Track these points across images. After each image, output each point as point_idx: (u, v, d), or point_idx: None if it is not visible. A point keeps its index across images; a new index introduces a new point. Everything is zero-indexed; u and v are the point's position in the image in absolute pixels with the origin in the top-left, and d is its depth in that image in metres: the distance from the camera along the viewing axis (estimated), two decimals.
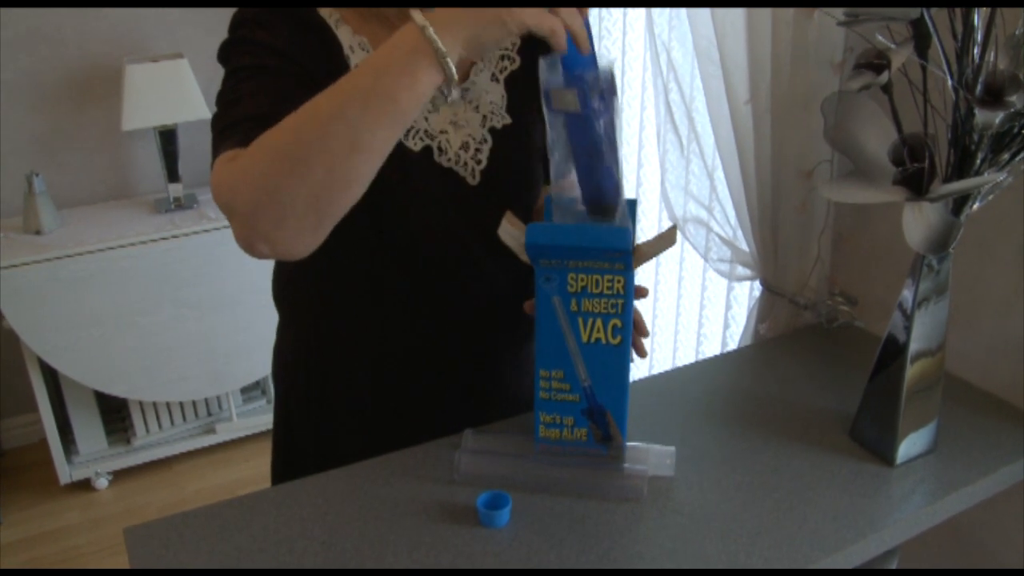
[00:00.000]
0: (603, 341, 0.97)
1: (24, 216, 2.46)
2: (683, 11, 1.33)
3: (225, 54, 0.94)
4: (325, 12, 0.98)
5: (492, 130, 1.06)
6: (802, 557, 0.88)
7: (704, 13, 1.21)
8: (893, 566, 1.21)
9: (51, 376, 2.52)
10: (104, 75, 2.64)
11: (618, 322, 0.96)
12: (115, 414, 2.76)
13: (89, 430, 2.64)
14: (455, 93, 1.04)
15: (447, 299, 1.08)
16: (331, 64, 0.95)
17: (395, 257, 1.04)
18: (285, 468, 1.21)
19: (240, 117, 0.85)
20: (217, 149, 0.85)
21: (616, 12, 1.89)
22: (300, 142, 0.75)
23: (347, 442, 1.13)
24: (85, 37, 2.60)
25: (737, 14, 1.16)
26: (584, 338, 0.97)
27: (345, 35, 0.99)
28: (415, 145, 1.01)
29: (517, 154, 1.09)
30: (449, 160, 1.03)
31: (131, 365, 2.49)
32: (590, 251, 0.91)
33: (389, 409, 1.13)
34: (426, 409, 1.13)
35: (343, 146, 0.75)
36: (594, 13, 1.94)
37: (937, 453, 1.05)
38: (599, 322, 0.96)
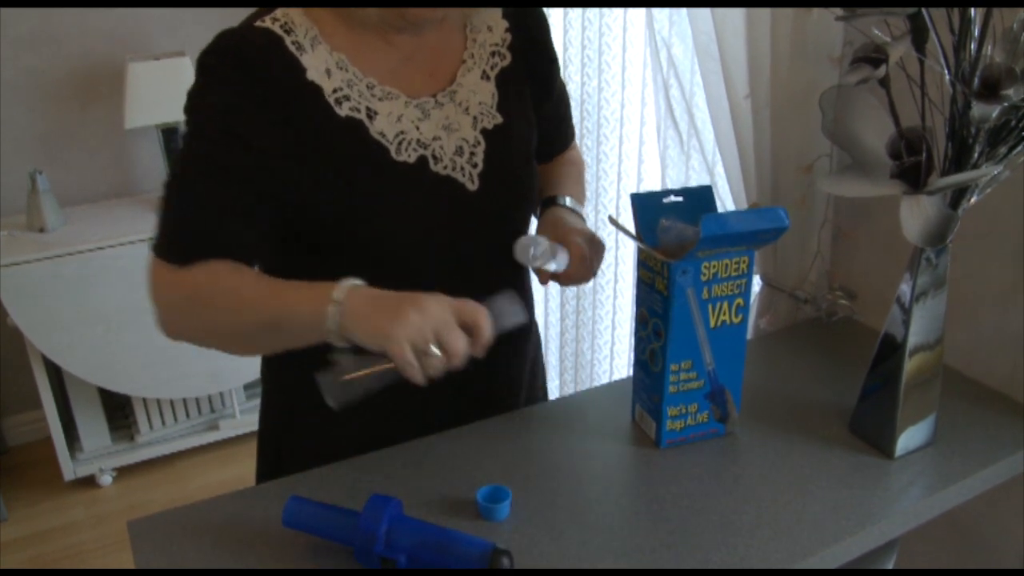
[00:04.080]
0: (728, 323, 1.01)
1: (27, 214, 2.46)
2: (683, 8, 1.33)
3: (187, 112, 0.97)
4: (300, 31, 0.95)
5: (484, 131, 1.04)
6: (801, 549, 0.89)
7: (704, 9, 1.22)
8: (892, 559, 1.21)
9: (55, 373, 2.53)
10: (106, 73, 2.64)
11: (741, 301, 1.01)
12: (119, 411, 2.77)
13: (93, 427, 2.65)
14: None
15: None
16: (301, 102, 0.95)
17: (393, 270, 1.00)
18: (271, 468, 1.17)
19: (171, 227, 0.95)
20: (158, 235, 0.95)
21: (617, 8, 1.89)
22: (214, 328, 0.94)
23: (337, 440, 1.11)
24: (87, 36, 2.60)
25: (736, 10, 1.17)
26: (712, 323, 1.00)
27: (319, 57, 0.95)
28: (409, 157, 0.99)
29: (511, 153, 1.06)
30: (445, 167, 1.01)
31: (135, 362, 2.50)
32: (758, 234, 0.95)
33: (382, 414, 1.10)
34: (424, 413, 1.11)
35: (241, 345, 0.96)
36: (594, 8, 1.94)
37: (936, 446, 1.06)
38: (725, 305, 1.00)
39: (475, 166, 1.03)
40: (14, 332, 2.38)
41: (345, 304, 0.84)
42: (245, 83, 0.93)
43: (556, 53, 1.16)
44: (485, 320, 0.85)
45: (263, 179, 0.94)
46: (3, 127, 2.59)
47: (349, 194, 0.97)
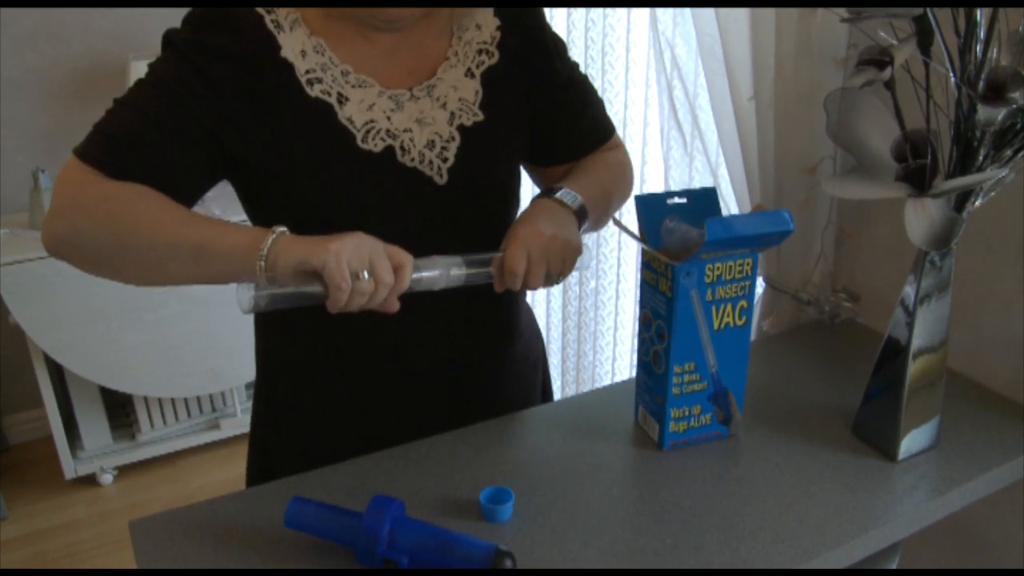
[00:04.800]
0: (731, 325, 1.01)
1: (30, 212, 2.46)
2: (687, 8, 1.33)
3: (165, 44, 0.97)
4: (282, 12, 0.97)
5: (461, 128, 1.03)
6: (804, 552, 0.88)
7: (708, 10, 1.22)
8: (895, 562, 1.21)
9: (57, 372, 2.53)
10: (109, 72, 2.64)
11: (745, 303, 1.00)
12: (120, 409, 2.77)
13: (94, 425, 2.64)
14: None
15: (417, 304, 1.01)
16: (271, 76, 0.96)
17: None
18: (262, 469, 1.17)
19: (109, 135, 0.95)
20: (88, 139, 0.95)
21: (620, 9, 1.89)
22: (120, 239, 0.89)
23: (326, 441, 1.11)
24: (89, 34, 2.60)
25: (741, 11, 1.17)
26: (716, 325, 1.00)
27: (297, 39, 0.97)
28: (375, 146, 0.99)
29: (487, 152, 1.05)
30: (413, 160, 1.00)
31: (136, 361, 2.50)
32: (763, 237, 0.94)
33: (363, 415, 1.11)
34: (403, 415, 1.11)
35: (154, 265, 0.91)
36: (598, 9, 1.94)
37: (939, 449, 1.05)
38: (729, 307, 1.00)
39: (445, 161, 1.02)
40: (15, 330, 2.37)
41: (284, 235, 0.87)
42: (222, 39, 0.95)
43: (561, 45, 1.12)
44: (409, 265, 0.88)
45: (215, 122, 0.95)
46: (6, 125, 2.59)
47: (314, 174, 0.98)
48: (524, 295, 1.21)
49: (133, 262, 0.92)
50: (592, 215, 1.08)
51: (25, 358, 2.46)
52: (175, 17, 0.99)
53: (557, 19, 2.07)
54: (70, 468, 2.59)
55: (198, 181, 0.98)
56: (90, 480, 2.67)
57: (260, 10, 0.96)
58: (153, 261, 0.90)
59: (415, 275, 0.90)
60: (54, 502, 2.61)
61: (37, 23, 2.53)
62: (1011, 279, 1.14)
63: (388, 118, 1.00)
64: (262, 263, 0.85)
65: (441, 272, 0.93)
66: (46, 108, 2.62)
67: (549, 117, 1.11)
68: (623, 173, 1.18)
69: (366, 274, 0.84)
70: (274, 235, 0.86)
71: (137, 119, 0.93)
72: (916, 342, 1.00)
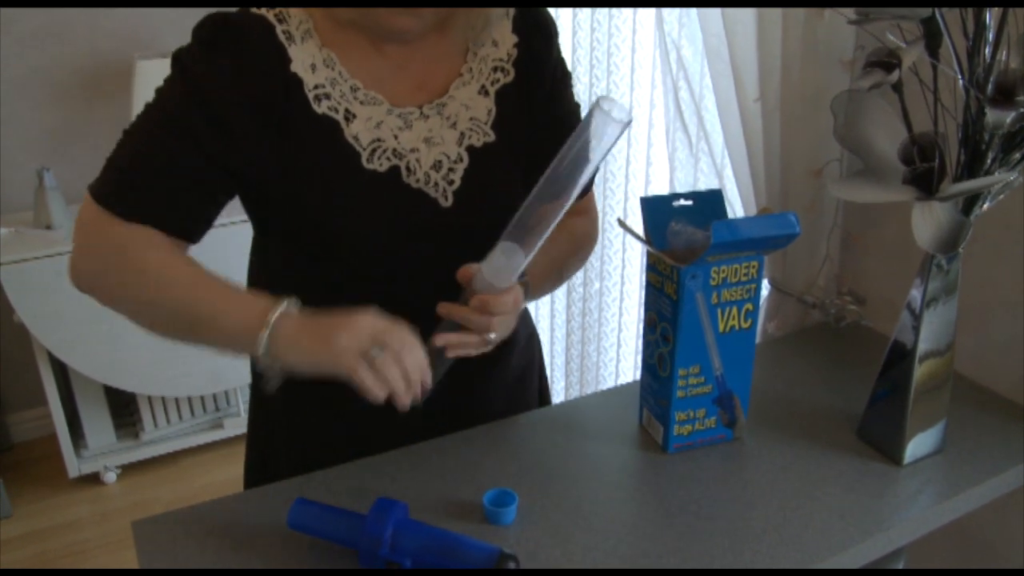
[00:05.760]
0: (736, 328, 1.01)
1: (35, 211, 2.47)
2: (693, 9, 1.33)
3: (174, 63, 0.96)
4: (294, 22, 0.95)
5: (470, 148, 1.00)
6: (808, 556, 0.88)
7: (714, 11, 1.21)
8: (899, 567, 1.20)
9: (61, 370, 2.54)
10: (114, 71, 2.65)
11: (750, 306, 1.00)
12: (124, 408, 2.77)
13: (98, 424, 2.65)
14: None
15: (413, 310, 0.99)
16: (279, 91, 0.94)
17: (362, 272, 0.99)
18: (260, 470, 1.17)
19: (118, 175, 0.95)
20: (101, 177, 0.96)
21: (626, 10, 1.89)
22: (128, 295, 0.95)
23: (320, 446, 1.10)
24: (94, 33, 2.61)
25: (747, 12, 1.16)
26: (721, 328, 1.00)
27: (307, 51, 0.95)
28: (381, 165, 0.96)
29: (495, 175, 1.02)
30: (418, 181, 0.98)
31: (140, 360, 2.50)
32: (769, 240, 0.94)
33: (356, 420, 1.07)
34: (398, 421, 1.06)
35: (149, 322, 0.96)
36: (604, 10, 1.94)
37: (945, 453, 1.05)
38: (734, 310, 1.00)
39: (451, 183, 0.99)
40: (20, 329, 2.38)
41: (285, 320, 0.87)
42: (227, 59, 0.93)
43: (565, 80, 1.09)
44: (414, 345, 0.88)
45: (221, 152, 0.93)
46: (11, 124, 2.59)
47: (318, 192, 0.96)
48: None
49: (143, 318, 0.96)
50: (534, 293, 1.05)
51: (29, 356, 2.46)
52: (179, 16, 0.98)
53: (563, 20, 2.07)
54: (73, 467, 2.59)
55: (208, 211, 0.97)
56: (93, 479, 2.67)
57: (272, 19, 0.94)
58: (157, 321, 0.96)
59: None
60: (57, 500, 2.61)
61: (41, 22, 2.53)
62: (1019, 282, 1.14)
63: (395, 137, 0.98)
64: (265, 355, 0.87)
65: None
66: (51, 107, 2.63)
67: (531, 150, 1.06)
68: (583, 245, 1.15)
69: (376, 349, 0.85)
70: (269, 328, 0.87)
71: (142, 157, 0.93)
72: (922, 346, 1.00)
